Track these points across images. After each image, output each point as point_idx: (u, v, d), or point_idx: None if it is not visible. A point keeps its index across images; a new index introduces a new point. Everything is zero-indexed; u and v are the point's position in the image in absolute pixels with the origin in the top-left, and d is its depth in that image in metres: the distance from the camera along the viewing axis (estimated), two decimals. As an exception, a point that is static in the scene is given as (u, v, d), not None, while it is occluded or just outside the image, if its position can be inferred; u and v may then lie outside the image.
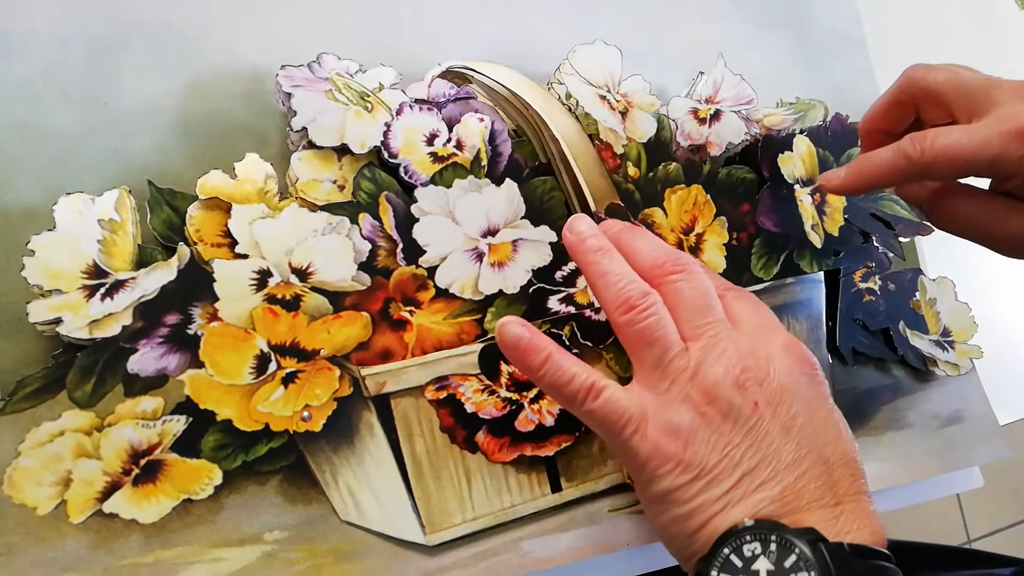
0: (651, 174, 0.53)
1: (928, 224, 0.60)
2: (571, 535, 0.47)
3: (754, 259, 0.55)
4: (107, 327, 0.41)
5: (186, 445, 0.41)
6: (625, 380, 0.49)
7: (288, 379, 0.43)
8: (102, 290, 0.41)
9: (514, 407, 0.47)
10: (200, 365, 0.42)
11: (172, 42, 0.46)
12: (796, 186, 0.57)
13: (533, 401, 0.47)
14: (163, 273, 0.42)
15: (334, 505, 0.43)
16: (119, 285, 0.41)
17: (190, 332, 0.42)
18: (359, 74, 0.48)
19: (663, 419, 0.37)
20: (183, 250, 0.43)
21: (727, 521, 0.35)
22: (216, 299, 0.43)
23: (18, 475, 0.38)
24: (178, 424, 0.41)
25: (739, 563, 0.33)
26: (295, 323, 0.44)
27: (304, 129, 0.46)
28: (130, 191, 0.43)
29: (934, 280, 0.61)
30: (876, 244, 0.59)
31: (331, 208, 0.46)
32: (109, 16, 0.45)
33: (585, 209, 0.50)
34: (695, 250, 0.53)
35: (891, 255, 0.59)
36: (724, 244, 0.54)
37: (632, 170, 0.53)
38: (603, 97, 0.53)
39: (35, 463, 0.38)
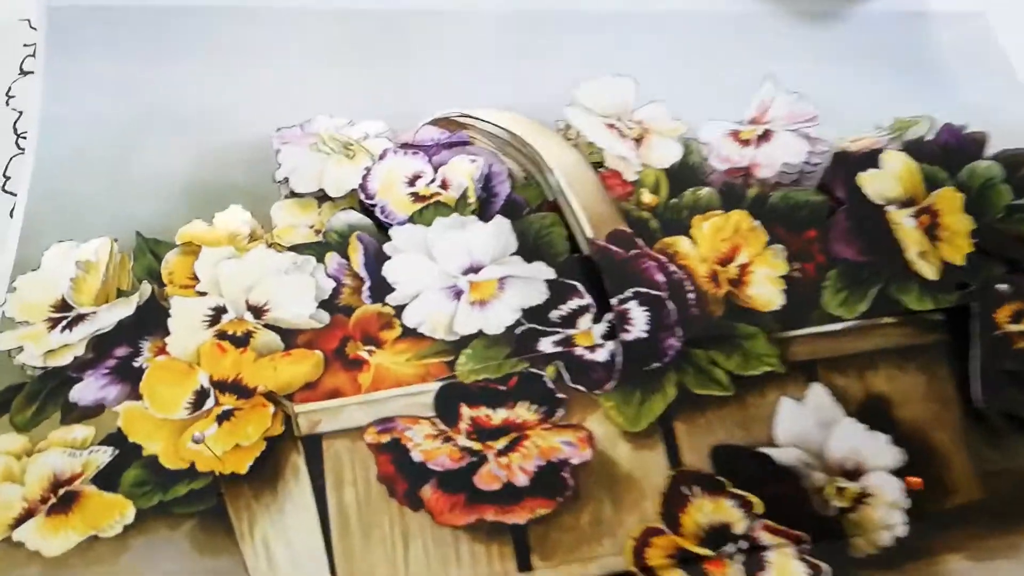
0: (674, 200, 0.45)
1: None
2: (542, 632, 0.35)
3: (827, 294, 0.42)
4: (60, 356, 0.41)
5: (107, 478, 0.39)
6: (631, 435, 0.39)
7: (224, 417, 0.40)
8: (64, 322, 0.42)
9: (475, 459, 0.38)
10: (139, 398, 0.40)
11: (191, 119, 0.50)
12: (891, 208, 0.44)
13: (502, 453, 0.38)
14: (122, 308, 0.43)
15: (245, 559, 0.37)
16: (80, 319, 0.42)
17: (136, 364, 0.41)
18: (347, 127, 0.48)
19: None
20: (145, 287, 0.43)
21: None
22: (167, 333, 0.42)
23: (-57, 492, 0.38)
24: (103, 455, 0.39)
25: None
26: (241, 359, 0.41)
27: (286, 179, 0.46)
28: (116, 240, 0.45)
29: None
30: (1028, 273, 0.43)
31: (299, 248, 0.44)
32: (136, 98, 0.50)
33: (583, 238, 0.43)
34: (737, 283, 0.43)
35: (1052, 285, 0.42)
36: (782, 276, 0.43)
37: (648, 197, 0.45)
38: (611, 125, 0.47)
39: (-37, 482, 0.38)
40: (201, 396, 0.40)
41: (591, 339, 0.41)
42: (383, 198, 0.46)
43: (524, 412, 0.39)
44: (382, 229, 0.45)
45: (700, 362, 0.40)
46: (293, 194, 0.47)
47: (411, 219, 0.45)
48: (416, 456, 0.39)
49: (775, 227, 0.44)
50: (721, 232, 0.44)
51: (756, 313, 0.42)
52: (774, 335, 0.41)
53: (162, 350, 0.42)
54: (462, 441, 0.39)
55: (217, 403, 0.40)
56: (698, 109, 0.48)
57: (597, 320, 0.42)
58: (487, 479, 0.38)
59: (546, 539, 0.37)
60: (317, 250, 0.44)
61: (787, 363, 0.41)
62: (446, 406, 0.40)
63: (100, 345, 0.42)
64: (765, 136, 0.47)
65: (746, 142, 0.47)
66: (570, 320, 0.42)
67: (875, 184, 0.45)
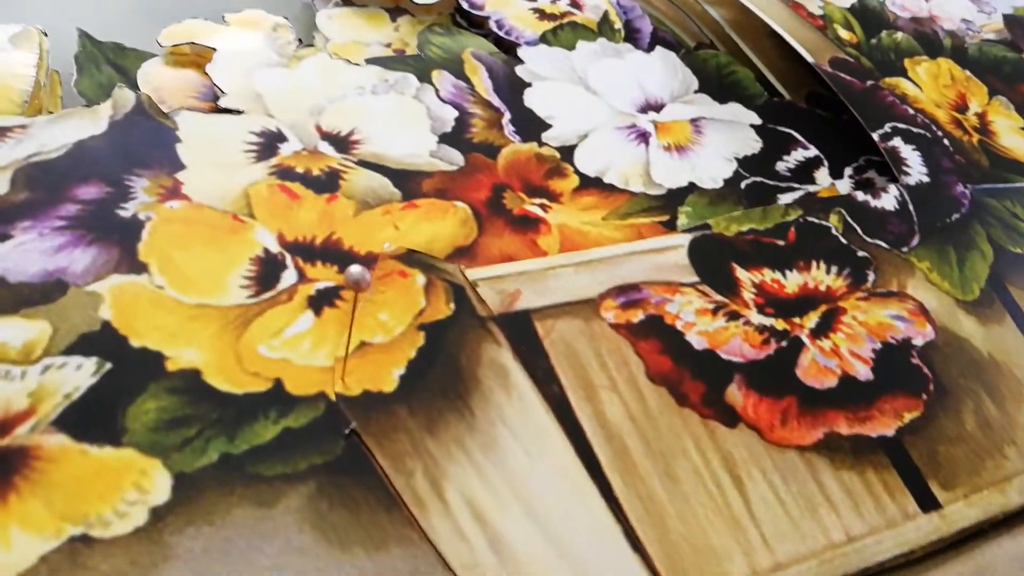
0: (874, 41, 0.34)
1: None
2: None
3: (1081, 149, 0.33)
4: (-52, 196, 0.20)
5: (90, 420, 0.18)
6: (968, 305, 0.25)
7: (321, 299, 0.21)
8: (-47, 138, 0.21)
9: (784, 343, 0.23)
10: (141, 269, 0.20)
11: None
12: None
13: (818, 334, 0.23)
14: (81, 123, 0.22)
15: (437, 544, 0.18)
16: (-9, 134, 0.21)
17: (123, 214, 0.21)
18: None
19: None
20: (123, 95, 0.23)
21: None
22: (181, 167, 0.22)
23: None
24: (79, 374, 0.18)
25: None
26: (332, 211, 0.23)
27: (336, -20, 0.29)
28: (46, 35, 0.25)
29: None
30: None
31: (383, 63, 0.27)
32: None
33: (790, 72, 0.31)
34: (984, 131, 0.32)
35: None
36: (1022, 128, 0.33)
37: (845, 34, 0.34)
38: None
39: None
40: (269, 267, 0.21)
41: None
42: (497, 10, 0.30)
43: (823, 276, 0.25)
44: (502, 48, 0.29)
45: (1002, 215, 0.29)
46: (346, 2, 0.29)
47: (543, 39, 0.30)
48: (697, 342, 0.22)
49: (987, 78, 0.35)
50: (940, 78, 0.34)
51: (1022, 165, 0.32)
52: (1060, 189, 0.31)
53: (173, 192, 0.22)
54: (755, 317, 0.23)
55: (303, 278, 0.21)
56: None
57: (837, 175, 0.29)
58: (814, 372, 0.23)
59: (935, 457, 0.22)
60: (415, 66, 0.27)
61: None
62: (711, 266, 0.24)
63: (41, 179, 0.21)
64: (933, -9, 0.38)
65: (917, -7, 0.38)
66: (802, 174, 0.29)
67: (1059, 46, 0.38)
